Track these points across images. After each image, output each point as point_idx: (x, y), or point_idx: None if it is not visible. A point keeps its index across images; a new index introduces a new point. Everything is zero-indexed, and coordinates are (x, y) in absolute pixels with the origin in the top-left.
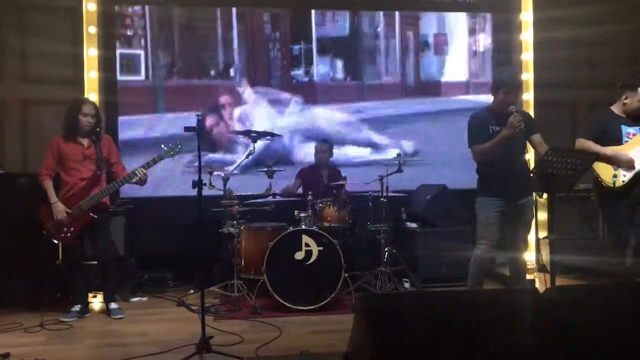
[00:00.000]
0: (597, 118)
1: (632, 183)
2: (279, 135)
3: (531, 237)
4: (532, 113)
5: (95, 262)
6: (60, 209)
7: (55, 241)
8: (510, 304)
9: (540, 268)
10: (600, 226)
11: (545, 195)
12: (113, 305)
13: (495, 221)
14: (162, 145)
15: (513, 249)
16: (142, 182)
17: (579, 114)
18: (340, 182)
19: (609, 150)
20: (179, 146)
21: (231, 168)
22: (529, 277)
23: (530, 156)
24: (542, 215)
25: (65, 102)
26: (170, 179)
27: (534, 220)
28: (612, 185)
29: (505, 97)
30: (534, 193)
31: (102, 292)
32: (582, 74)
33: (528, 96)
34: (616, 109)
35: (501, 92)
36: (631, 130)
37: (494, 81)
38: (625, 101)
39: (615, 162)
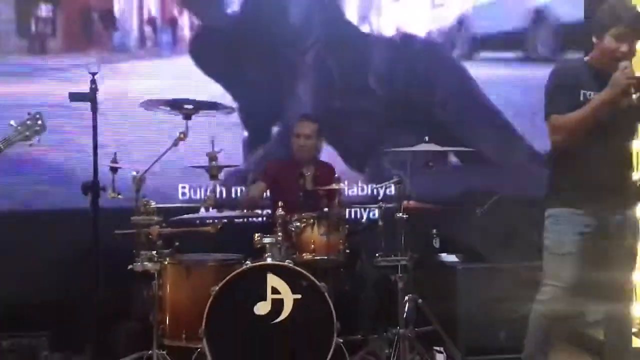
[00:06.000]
0: None
1: None
2: (230, 108)
3: None
4: None
5: None
6: None
7: None
8: None
9: None
10: None
11: None
12: None
13: (575, 250)
14: (11, 122)
15: (608, 296)
16: None
17: None
18: (332, 187)
19: None
20: (39, 122)
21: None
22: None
23: None
24: None
25: None
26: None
27: None
28: None
29: (614, 44)
30: None
31: None
32: None
33: None
34: None
35: (609, 35)
36: None
37: (598, 17)
38: None
39: None
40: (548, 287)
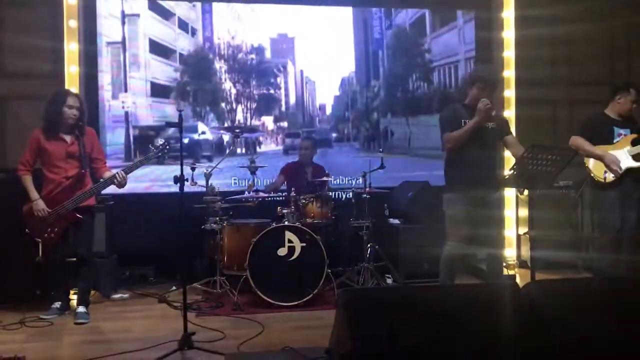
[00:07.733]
0: (589, 119)
1: (621, 179)
2: (262, 132)
3: (512, 234)
4: (513, 110)
5: (75, 260)
6: (40, 207)
7: (39, 240)
8: (490, 298)
9: (522, 264)
10: (580, 222)
11: (525, 192)
12: (80, 309)
13: (464, 217)
14: (150, 145)
15: (486, 244)
16: (120, 185)
17: (558, 111)
18: (323, 179)
19: (599, 150)
20: (167, 147)
21: (214, 164)
22: (510, 272)
23: (507, 154)
24: (523, 212)
25: (45, 97)
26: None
27: (513, 217)
28: (603, 180)
29: (479, 92)
30: (504, 189)
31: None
32: (562, 72)
33: (510, 93)
34: (610, 110)
35: (475, 87)
36: (622, 131)
37: (469, 76)
38: (619, 101)
39: (602, 162)
40: (449, 242)
